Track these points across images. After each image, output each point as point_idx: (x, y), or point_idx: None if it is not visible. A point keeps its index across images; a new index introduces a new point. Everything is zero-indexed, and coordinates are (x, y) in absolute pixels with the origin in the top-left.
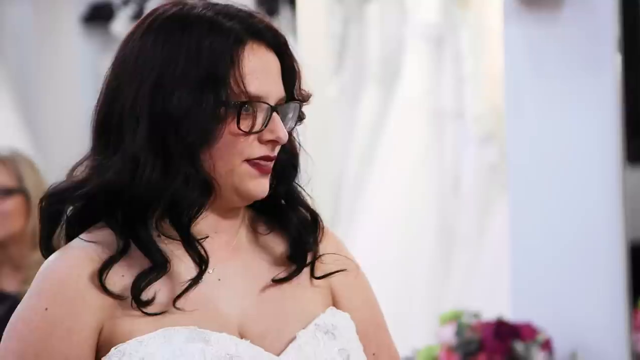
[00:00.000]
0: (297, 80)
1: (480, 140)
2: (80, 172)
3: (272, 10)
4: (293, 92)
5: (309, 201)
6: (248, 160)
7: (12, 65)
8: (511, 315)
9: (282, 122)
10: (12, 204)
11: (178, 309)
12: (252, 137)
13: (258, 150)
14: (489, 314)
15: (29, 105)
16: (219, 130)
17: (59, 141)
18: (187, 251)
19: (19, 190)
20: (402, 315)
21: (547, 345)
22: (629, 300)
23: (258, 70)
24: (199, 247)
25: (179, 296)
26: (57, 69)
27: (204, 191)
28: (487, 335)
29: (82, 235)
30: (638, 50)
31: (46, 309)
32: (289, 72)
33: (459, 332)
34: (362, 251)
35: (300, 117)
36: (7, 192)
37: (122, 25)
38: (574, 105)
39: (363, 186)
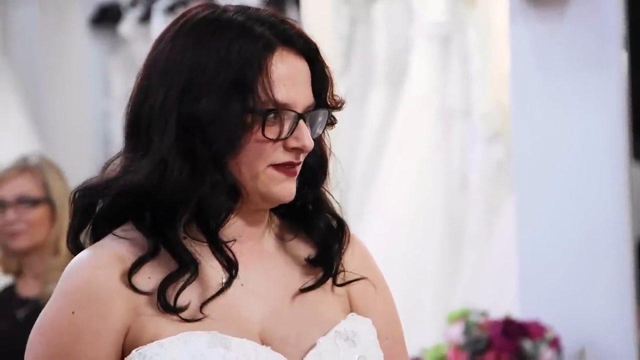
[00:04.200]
0: (328, 87)
1: (487, 139)
2: (112, 169)
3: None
4: (323, 99)
5: (337, 208)
6: (273, 165)
7: (20, 66)
8: (519, 313)
9: (311, 128)
10: (38, 214)
11: (203, 314)
12: (277, 143)
13: (283, 156)
14: (497, 313)
15: (37, 106)
16: (245, 138)
17: (66, 142)
18: (216, 256)
19: (45, 200)
20: (410, 314)
21: (555, 343)
22: (637, 296)
23: (286, 78)
24: (228, 251)
25: (207, 301)
26: (65, 70)
27: (231, 196)
28: (495, 334)
29: (113, 232)
30: None
31: (73, 312)
32: (320, 79)
33: (467, 330)
34: (370, 250)
35: (332, 122)
36: (34, 203)
37: (129, 26)
38: (580, 103)
39: (371, 185)
